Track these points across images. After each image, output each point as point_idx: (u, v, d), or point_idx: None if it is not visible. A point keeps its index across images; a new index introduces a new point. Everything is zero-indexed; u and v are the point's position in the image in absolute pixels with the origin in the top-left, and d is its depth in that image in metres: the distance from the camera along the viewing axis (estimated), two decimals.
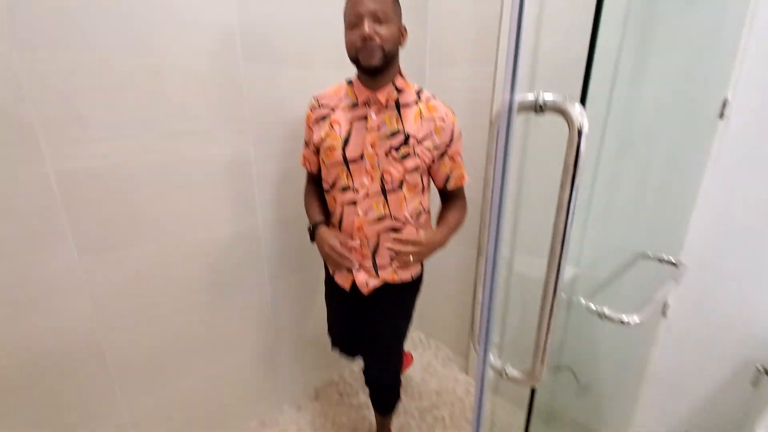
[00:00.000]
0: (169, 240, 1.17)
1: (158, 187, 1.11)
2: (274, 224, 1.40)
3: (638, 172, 1.24)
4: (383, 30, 0.91)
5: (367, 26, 0.89)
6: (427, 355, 1.99)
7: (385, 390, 1.31)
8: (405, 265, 1.09)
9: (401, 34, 0.98)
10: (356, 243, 1.07)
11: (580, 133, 0.47)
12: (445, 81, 1.69)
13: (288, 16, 1.24)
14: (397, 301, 1.19)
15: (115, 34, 0.96)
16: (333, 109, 1.06)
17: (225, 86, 1.17)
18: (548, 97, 0.49)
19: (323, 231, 1.09)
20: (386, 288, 1.14)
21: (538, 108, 0.50)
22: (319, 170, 1.14)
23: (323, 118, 1.07)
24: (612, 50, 1.13)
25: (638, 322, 0.79)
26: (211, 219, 1.24)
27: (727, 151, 1.08)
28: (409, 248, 1.00)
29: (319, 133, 1.07)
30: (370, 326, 1.23)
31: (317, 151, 1.11)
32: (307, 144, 1.14)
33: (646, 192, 1.26)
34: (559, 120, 0.50)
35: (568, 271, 1.40)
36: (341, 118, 1.04)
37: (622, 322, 0.80)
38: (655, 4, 1.10)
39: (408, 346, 2.04)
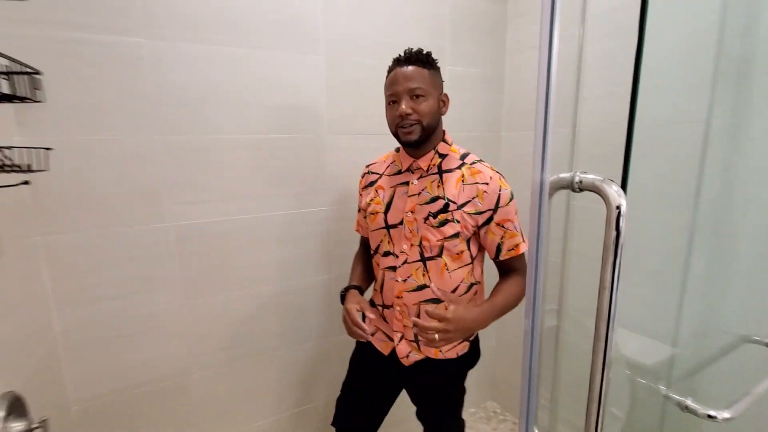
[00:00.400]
0: (251, 288, 1.32)
1: (248, 241, 1.29)
2: (345, 279, 1.48)
3: (745, 243, 1.07)
4: (421, 106, 0.94)
5: (404, 104, 0.93)
6: (502, 429, 1.81)
7: None
8: (431, 343, 0.91)
9: (442, 103, 1.00)
10: (371, 317, 0.98)
11: (619, 213, 0.46)
12: (519, 146, 1.69)
13: (367, 95, 1.40)
14: (444, 380, 1.09)
15: (228, 119, 1.20)
16: (380, 176, 1.10)
17: (311, 156, 1.34)
18: (585, 176, 0.49)
19: (349, 294, 1.06)
20: (429, 362, 1.05)
21: (576, 187, 0.50)
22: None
23: (371, 184, 1.11)
24: (700, 112, 1.04)
25: (728, 417, 0.66)
26: (290, 271, 1.37)
27: None
28: (434, 324, 0.87)
29: (366, 198, 1.11)
30: (418, 408, 1.15)
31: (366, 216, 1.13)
32: (359, 210, 1.17)
33: (756, 265, 1.07)
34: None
35: (660, 352, 1.22)
36: (385, 184, 1.07)
37: (710, 417, 0.66)
38: (751, 65, 1.00)
39: (480, 417, 1.88)
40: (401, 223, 1.01)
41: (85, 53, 1.01)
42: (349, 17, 1.33)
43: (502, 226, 0.97)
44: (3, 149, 0.72)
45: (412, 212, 0.99)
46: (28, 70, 0.71)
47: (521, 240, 1.00)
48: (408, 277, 1.01)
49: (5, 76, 0.70)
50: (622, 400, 1.08)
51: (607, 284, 0.48)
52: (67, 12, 0.98)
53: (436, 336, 0.87)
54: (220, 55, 1.16)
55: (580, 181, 0.49)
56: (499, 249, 0.99)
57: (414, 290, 1.01)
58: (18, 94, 0.71)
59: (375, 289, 1.13)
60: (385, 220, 1.04)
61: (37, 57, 0.93)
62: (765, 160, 1.01)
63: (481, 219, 0.96)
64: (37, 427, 0.78)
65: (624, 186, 0.61)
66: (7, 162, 0.70)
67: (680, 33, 1.06)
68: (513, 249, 0.99)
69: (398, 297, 1.03)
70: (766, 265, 1.06)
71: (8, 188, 0.84)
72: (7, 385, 0.77)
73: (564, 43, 1.43)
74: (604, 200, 0.47)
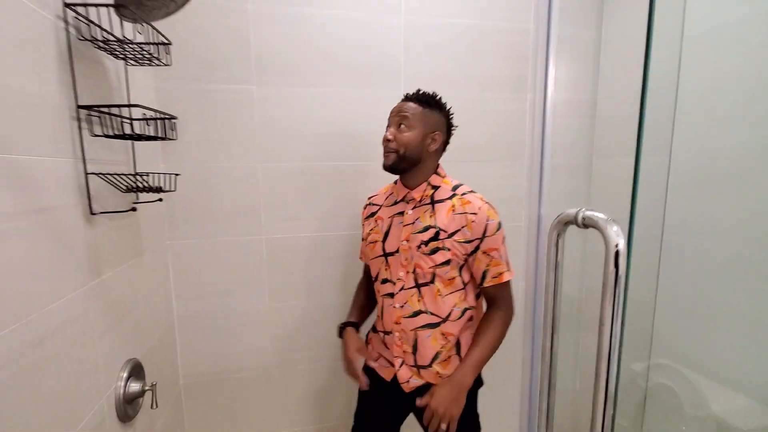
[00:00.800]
0: (317, 298, 1.47)
1: (318, 255, 1.44)
2: None
3: None
4: (403, 135, 1.01)
5: (389, 132, 1.04)
6: None
7: None
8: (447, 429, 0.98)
9: (431, 140, 1.04)
10: (372, 365, 1.11)
11: (617, 252, 0.44)
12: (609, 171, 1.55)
13: None
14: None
15: (315, 149, 1.38)
16: (380, 207, 1.16)
17: (384, 180, 1.45)
18: (588, 213, 0.48)
19: (348, 335, 1.12)
20: (430, 387, 1.04)
21: (580, 223, 0.49)
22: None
23: (372, 215, 1.17)
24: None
25: None
26: (344, 286, 1.48)
27: None
28: (434, 421, 0.96)
29: (367, 229, 1.17)
30: None
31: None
32: (362, 239, 1.20)
33: None
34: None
35: (730, 402, 0.99)
36: (384, 215, 1.12)
37: None
38: None
39: None
40: (398, 251, 1.06)
41: (209, 99, 1.29)
42: (426, 55, 1.43)
43: (489, 254, 1.01)
44: (142, 174, 0.97)
45: (407, 241, 1.04)
46: (168, 116, 0.96)
47: (506, 269, 1.03)
48: (405, 304, 1.05)
49: (152, 122, 0.95)
50: None
51: (607, 321, 0.46)
52: (197, 68, 1.26)
53: (443, 426, 0.95)
54: (315, 94, 1.36)
55: (584, 218, 0.47)
56: (484, 276, 1.02)
57: (410, 316, 1.05)
58: (159, 135, 0.96)
59: (378, 316, 1.17)
60: (383, 248, 1.09)
61: (174, 104, 1.23)
62: None
63: (470, 247, 1.00)
64: (148, 389, 1.00)
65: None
66: (145, 185, 0.95)
67: None
68: (497, 277, 1.02)
69: (396, 323, 1.07)
70: None
71: (148, 203, 1.12)
72: (133, 352, 1.01)
73: (660, 67, 1.31)
74: (604, 239, 0.45)
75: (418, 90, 1.07)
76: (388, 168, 1.05)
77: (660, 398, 1.30)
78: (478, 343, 1.03)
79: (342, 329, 1.15)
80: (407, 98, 1.06)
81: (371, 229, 1.14)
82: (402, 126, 1.02)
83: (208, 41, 1.26)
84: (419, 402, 1.00)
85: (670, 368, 1.28)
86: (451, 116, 1.09)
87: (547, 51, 1.34)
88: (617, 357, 0.47)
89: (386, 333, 1.11)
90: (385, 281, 1.09)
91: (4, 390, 0.57)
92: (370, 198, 1.24)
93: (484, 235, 1.00)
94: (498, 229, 1.01)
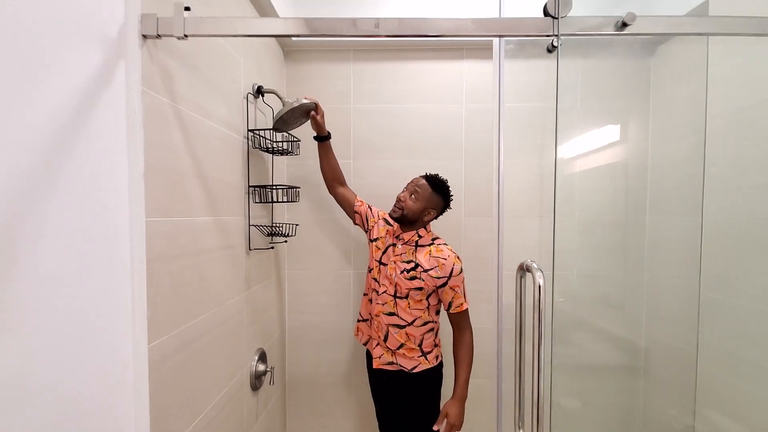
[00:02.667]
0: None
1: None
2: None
3: None
4: (409, 202, 1.39)
5: (403, 193, 1.42)
6: None
7: None
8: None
9: (428, 212, 1.41)
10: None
11: (539, 289, 0.74)
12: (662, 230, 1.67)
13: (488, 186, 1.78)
14: (408, 392, 1.44)
15: (389, 205, 1.81)
16: (389, 229, 1.51)
17: (453, 232, 1.80)
18: (528, 261, 0.79)
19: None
20: (398, 378, 1.43)
21: (525, 269, 0.80)
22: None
23: (384, 225, 1.54)
24: None
25: None
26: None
27: None
28: (445, 428, 1.35)
29: (376, 233, 1.53)
30: (396, 413, 1.48)
31: (364, 227, 1.58)
32: (369, 207, 1.59)
33: None
34: None
35: None
36: (387, 238, 1.50)
37: None
38: None
39: None
40: (386, 266, 1.44)
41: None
42: (483, 132, 1.79)
43: (453, 289, 1.37)
44: (276, 225, 1.50)
45: (395, 263, 1.42)
46: (294, 186, 1.49)
47: (464, 301, 1.40)
48: (384, 303, 1.42)
49: (287, 192, 1.48)
50: None
51: (535, 331, 0.74)
52: (316, 149, 1.82)
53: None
54: (393, 165, 1.81)
55: (527, 267, 0.77)
56: (450, 305, 1.39)
57: (386, 314, 1.42)
58: (289, 200, 1.48)
59: (363, 306, 1.55)
60: (380, 259, 1.48)
61: (301, 176, 1.79)
62: None
63: (439, 282, 1.36)
64: (268, 371, 1.47)
65: None
66: (278, 231, 1.47)
67: None
68: (459, 306, 1.39)
69: (377, 315, 1.45)
70: None
71: (278, 243, 1.64)
72: (261, 344, 1.50)
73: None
74: (533, 278, 0.75)
75: (436, 174, 1.44)
76: (393, 218, 1.44)
77: None
78: (461, 365, 1.39)
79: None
80: (426, 178, 1.42)
81: (379, 237, 1.52)
82: (413, 195, 1.40)
83: None
84: (436, 427, 1.36)
85: (713, 418, 1.33)
86: (451, 199, 1.45)
87: (499, 125, 1.62)
88: (539, 357, 0.75)
89: (367, 319, 1.51)
90: (375, 280, 1.48)
91: (207, 345, 1.06)
92: (385, 215, 1.58)
93: (450, 275, 1.36)
94: (460, 272, 1.38)
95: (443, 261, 1.36)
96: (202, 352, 1.04)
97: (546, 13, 0.74)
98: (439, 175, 1.45)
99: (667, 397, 1.61)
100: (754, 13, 0.87)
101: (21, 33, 0.55)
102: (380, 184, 1.82)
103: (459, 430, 1.35)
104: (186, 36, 0.77)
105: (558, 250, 1.78)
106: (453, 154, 1.81)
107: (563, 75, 1.40)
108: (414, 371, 1.41)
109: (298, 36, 0.82)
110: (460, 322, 1.41)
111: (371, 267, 1.52)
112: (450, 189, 1.44)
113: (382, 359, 1.45)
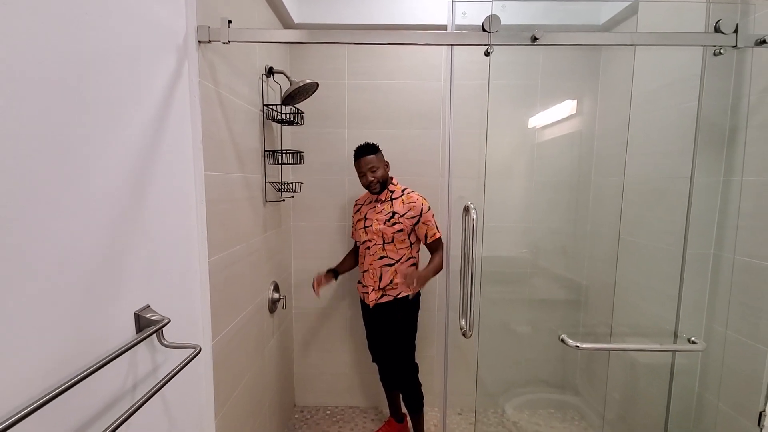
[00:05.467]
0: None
1: None
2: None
3: None
4: (377, 174, 1.76)
5: (369, 177, 1.76)
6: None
7: (406, 386, 1.87)
8: (414, 289, 1.78)
9: (386, 165, 1.80)
10: (318, 288, 1.87)
11: (473, 221, 1.11)
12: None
13: (471, 151, 2.12)
14: (394, 317, 1.82)
15: None
16: (362, 205, 1.89)
17: (431, 184, 2.16)
18: (468, 203, 1.15)
19: (325, 273, 1.89)
20: (386, 306, 1.81)
21: (469, 208, 1.16)
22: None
23: (357, 210, 1.92)
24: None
25: None
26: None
27: None
28: (412, 282, 1.72)
29: (355, 219, 1.92)
30: (382, 335, 1.87)
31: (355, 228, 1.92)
32: (353, 225, 1.96)
33: None
34: None
35: None
36: (364, 208, 1.88)
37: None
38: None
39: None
40: (371, 225, 1.80)
41: (322, 138, 2.15)
42: (464, 106, 2.11)
43: (426, 224, 1.78)
44: (285, 183, 1.84)
45: (377, 220, 1.79)
46: (301, 151, 1.81)
47: (436, 231, 1.80)
48: (375, 252, 1.80)
49: (294, 155, 1.81)
50: None
51: (469, 249, 1.11)
52: (317, 120, 2.13)
53: (418, 285, 1.72)
54: (387, 135, 2.14)
55: (466, 207, 1.14)
56: (426, 237, 1.79)
57: (378, 259, 1.80)
58: (294, 162, 1.82)
59: (360, 263, 1.91)
60: (364, 225, 1.84)
61: (304, 142, 2.11)
62: None
63: (413, 221, 1.77)
64: (282, 298, 1.86)
65: None
66: (287, 188, 1.81)
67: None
68: (433, 236, 1.79)
69: (371, 264, 1.82)
70: None
71: (288, 199, 2.00)
72: (275, 278, 1.89)
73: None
74: (469, 212, 1.11)
75: (362, 145, 1.79)
76: (376, 193, 1.81)
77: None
78: (432, 262, 1.77)
79: (328, 271, 1.93)
80: (364, 154, 1.76)
81: (357, 219, 1.91)
82: (372, 171, 1.76)
83: (320, 106, 2.13)
84: (411, 288, 1.76)
85: (623, 330, 1.76)
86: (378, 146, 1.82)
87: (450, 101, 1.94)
88: (472, 264, 1.12)
89: (365, 271, 1.86)
90: (365, 241, 1.85)
91: (241, 269, 1.43)
92: (356, 201, 2.00)
93: (421, 213, 1.76)
94: (428, 209, 1.79)
95: (414, 204, 1.78)
96: (238, 274, 1.41)
97: (483, 29, 1.06)
98: (362, 144, 1.79)
99: (596, 320, 2.05)
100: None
101: (140, 48, 0.87)
102: None
103: (420, 282, 1.70)
104: (229, 41, 1.08)
105: (527, 205, 2.16)
106: (432, 124, 2.14)
107: (528, 58, 1.73)
108: (399, 296, 1.81)
109: (304, 42, 1.13)
110: (436, 247, 1.81)
111: (363, 240, 1.85)
112: (369, 142, 1.80)
113: (374, 296, 1.82)
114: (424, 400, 1.93)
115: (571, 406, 2.26)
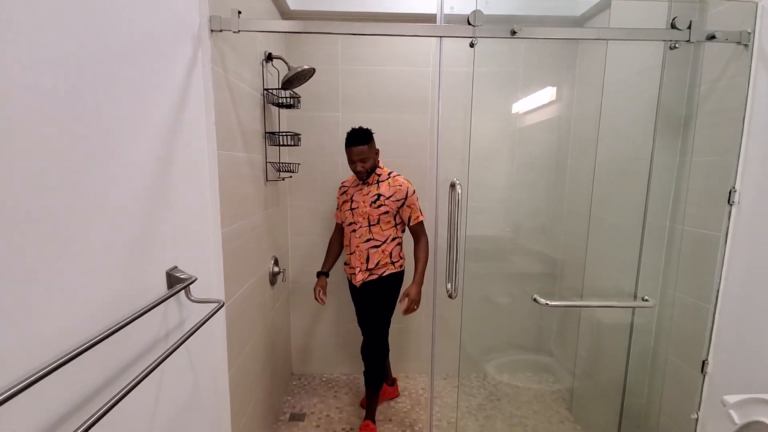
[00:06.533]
0: None
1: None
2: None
3: None
4: (366, 164, 1.80)
5: (358, 166, 1.79)
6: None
7: (371, 363, 1.96)
8: (414, 310, 1.87)
9: (376, 153, 1.84)
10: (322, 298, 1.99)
11: (458, 196, 1.26)
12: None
13: (458, 135, 2.26)
14: (377, 292, 1.93)
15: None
16: (348, 188, 1.96)
17: (419, 172, 2.30)
18: (454, 179, 1.29)
19: (320, 280, 2.01)
20: (372, 283, 1.91)
21: (456, 185, 1.31)
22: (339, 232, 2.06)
23: (344, 192, 1.98)
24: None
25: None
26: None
27: None
28: (411, 306, 1.83)
29: (341, 200, 1.98)
30: (366, 310, 1.98)
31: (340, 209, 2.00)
32: (337, 207, 2.04)
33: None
34: None
35: None
36: (351, 190, 1.94)
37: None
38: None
39: None
40: (358, 207, 1.88)
41: (316, 122, 2.25)
42: (449, 92, 2.24)
43: (410, 207, 1.86)
44: (284, 163, 1.96)
45: (363, 202, 1.86)
46: (296, 133, 1.93)
47: (419, 214, 1.88)
48: (361, 235, 1.88)
49: (292, 137, 1.92)
50: None
51: (453, 225, 1.26)
52: (311, 104, 2.23)
53: (415, 307, 1.84)
54: (373, 118, 2.25)
55: (453, 183, 1.28)
56: (410, 219, 1.88)
57: (364, 241, 1.88)
58: (292, 144, 1.93)
59: (346, 245, 1.99)
60: (351, 206, 1.91)
61: (300, 125, 2.22)
62: None
63: (399, 204, 1.84)
64: (281, 271, 2.00)
65: None
66: (286, 168, 1.93)
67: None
68: (416, 219, 1.88)
69: (357, 247, 1.90)
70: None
71: (287, 179, 2.11)
72: (275, 252, 2.02)
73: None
74: (454, 189, 1.26)
75: (353, 131, 1.79)
76: (364, 180, 1.87)
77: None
78: (419, 262, 1.88)
79: (318, 274, 2.04)
80: (355, 143, 1.77)
81: (344, 201, 1.97)
82: (363, 161, 1.79)
83: (315, 90, 2.23)
84: (401, 299, 1.86)
85: (591, 298, 1.96)
86: (373, 134, 1.83)
87: (439, 87, 2.07)
88: (457, 234, 1.27)
89: (351, 253, 1.95)
90: (351, 224, 1.92)
91: (246, 242, 1.56)
92: (342, 183, 2.04)
93: (406, 197, 1.84)
94: (413, 193, 1.86)
95: (399, 187, 1.85)
96: (244, 246, 1.54)
97: (469, 23, 1.19)
98: (352, 129, 1.80)
99: (568, 289, 2.25)
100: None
101: (164, 37, 0.97)
102: None
103: (417, 305, 1.86)
104: (239, 31, 1.18)
105: (509, 186, 2.32)
106: (422, 109, 2.27)
107: (511, 48, 1.86)
108: (384, 275, 1.92)
109: (302, 33, 1.24)
110: (418, 231, 1.91)
111: (348, 222, 1.92)
112: (360, 127, 1.81)
113: (361, 276, 1.92)
114: (385, 381, 2.05)
115: (545, 366, 2.48)
